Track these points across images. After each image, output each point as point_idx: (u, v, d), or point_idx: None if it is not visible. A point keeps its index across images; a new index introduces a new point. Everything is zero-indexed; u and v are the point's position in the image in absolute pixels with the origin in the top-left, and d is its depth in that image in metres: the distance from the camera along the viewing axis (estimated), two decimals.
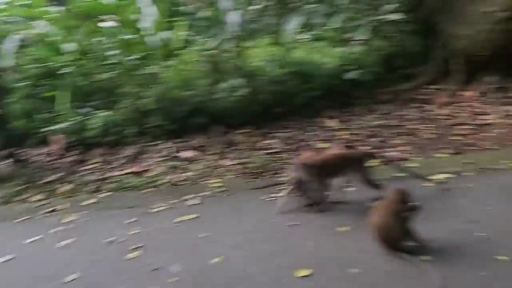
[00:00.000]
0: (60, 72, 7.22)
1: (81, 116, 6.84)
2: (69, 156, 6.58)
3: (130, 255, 3.79)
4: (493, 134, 5.97)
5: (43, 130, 6.94)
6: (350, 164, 4.32)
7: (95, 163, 6.30)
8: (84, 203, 5.02)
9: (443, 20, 7.68)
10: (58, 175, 5.94)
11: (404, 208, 3.37)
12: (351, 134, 6.27)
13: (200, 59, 7.12)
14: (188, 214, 4.44)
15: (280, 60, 7.27)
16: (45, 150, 6.89)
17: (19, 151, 6.71)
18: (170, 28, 6.84)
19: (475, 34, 7.11)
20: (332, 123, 6.66)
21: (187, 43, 7.18)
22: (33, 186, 5.66)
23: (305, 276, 3.25)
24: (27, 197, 5.39)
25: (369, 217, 3.46)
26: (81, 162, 6.42)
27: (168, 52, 6.50)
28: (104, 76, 7.59)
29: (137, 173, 5.84)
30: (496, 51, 7.01)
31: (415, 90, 7.70)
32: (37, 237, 4.27)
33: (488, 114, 6.60)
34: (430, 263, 3.20)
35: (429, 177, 4.57)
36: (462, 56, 7.36)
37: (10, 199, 5.36)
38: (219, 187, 5.10)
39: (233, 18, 6.85)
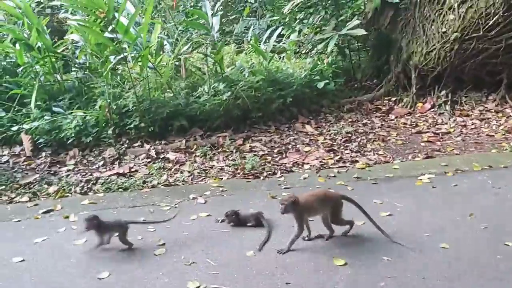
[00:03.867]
0: (26, 69, 6.86)
1: (51, 116, 6.53)
2: (41, 157, 6.24)
3: (159, 251, 3.76)
4: (453, 141, 6.67)
5: (9, 130, 6.55)
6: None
7: (73, 164, 6.05)
8: (82, 203, 4.83)
9: (401, 37, 8.42)
10: (37, 176, 5.63)
11: None
12: (329, 139, 6.64)
13: (178, 62, 7.13)
14: (200, 212, 4.48)
15: (255, 67, 7.50)
16: (12, 150, 6.48)
17: None
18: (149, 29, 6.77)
19: (430, 51, 7.89)
20: (308, 128, 7.00)
21: (162, 45, 7.16)
22: (13, 187, 5.31)
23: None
24: (12, 198, 5.05)
25: None
26: (57, 163, 6.13)
27: (146, 53, 6.40)
28: (74, 75, 7.36)
29: (123, 175, 5.72)
30: (448, 67, 7.83)
31: (375, 101, 8.32)
32: (45, 237, 4.06)
33: (444, 124, 7.35)
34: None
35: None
36: (417, 70, 8.10)
37: None
38: (218, 187, 5.18)
39: (214, 22, 6.99)
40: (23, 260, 3.71)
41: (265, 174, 5.53)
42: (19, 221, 4.46)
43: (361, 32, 7.69)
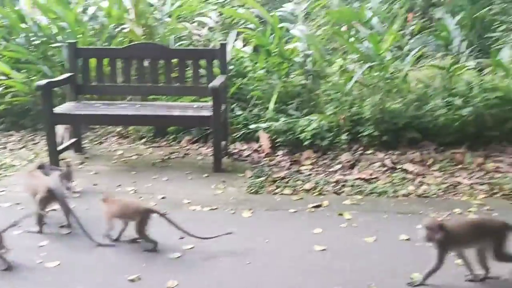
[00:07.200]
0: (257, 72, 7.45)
1: (287, 118, 6.93)
2: (279, 155, 6.64)
3: None
4: None
5: (246, 127, 7.11)
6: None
7: (310, 164, 6.31)
8: (343, 202, 5.00)
9: None
10: (286, 172, 5.98)
11: None
12: None
13: (410, 73, 7.08)
14: None
15: (489, 83, 7.11)
16: (250, 146, 7.01)
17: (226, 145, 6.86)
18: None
19: None
20: None
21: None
22: (268, 180, 5.71)
23: None
24: (273, 190, 5.43)
25: None
26: (294, 162, 6.45)
27: (388, 64, 6.47)
28: (299, 81, 7.73)
29: (366, 180, 5.79)
30: None
31: None
32: (333, 230, 4.26)
33: None
34: None
35: None
36: None
37: (257, 190, 5.42)
38: (481, 205, 4.95)
39: (455, 35, 6.82)
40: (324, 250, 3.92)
41: None
42: (295, 212, 4.76)
43: None
